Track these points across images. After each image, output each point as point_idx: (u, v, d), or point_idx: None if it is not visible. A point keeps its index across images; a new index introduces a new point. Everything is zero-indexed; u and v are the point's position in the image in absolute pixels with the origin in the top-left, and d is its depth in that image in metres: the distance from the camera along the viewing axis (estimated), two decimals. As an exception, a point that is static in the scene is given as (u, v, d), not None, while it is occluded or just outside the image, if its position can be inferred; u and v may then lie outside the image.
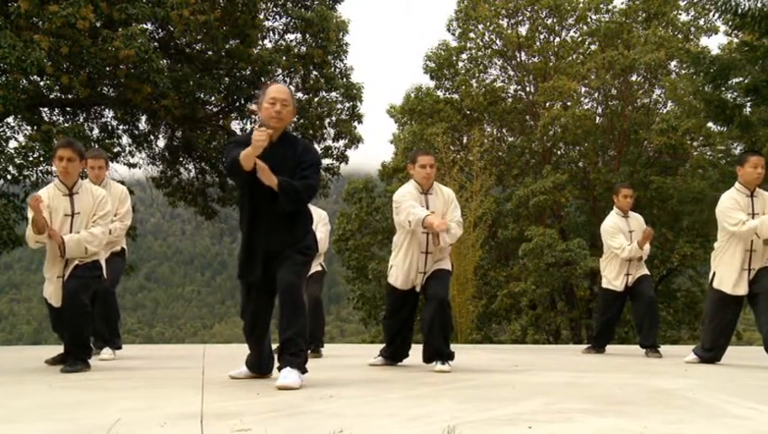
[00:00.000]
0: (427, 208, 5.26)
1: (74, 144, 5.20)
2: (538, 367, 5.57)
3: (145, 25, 13.94)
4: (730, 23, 13.49)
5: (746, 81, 13.08)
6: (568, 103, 23.60)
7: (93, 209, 5.15)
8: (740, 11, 12.49)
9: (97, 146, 13.17)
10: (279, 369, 3.97)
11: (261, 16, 15.86)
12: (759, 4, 12.24)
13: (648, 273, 7.41)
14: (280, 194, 3.97)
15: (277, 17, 16.59)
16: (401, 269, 5.33)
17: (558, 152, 25.23)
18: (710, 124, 19.56)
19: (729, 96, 14.03)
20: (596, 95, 24.87)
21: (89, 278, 5.13)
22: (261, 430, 2.54)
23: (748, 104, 13.82)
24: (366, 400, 3.38)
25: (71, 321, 5.00)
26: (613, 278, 7.34)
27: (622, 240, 7.19)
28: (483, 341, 21.51)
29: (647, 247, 7.28)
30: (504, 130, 26.37)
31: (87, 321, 5.09)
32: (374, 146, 27.40)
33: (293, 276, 4.02)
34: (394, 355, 5.61)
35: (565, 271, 21.06)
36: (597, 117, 24.55)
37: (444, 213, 5.31)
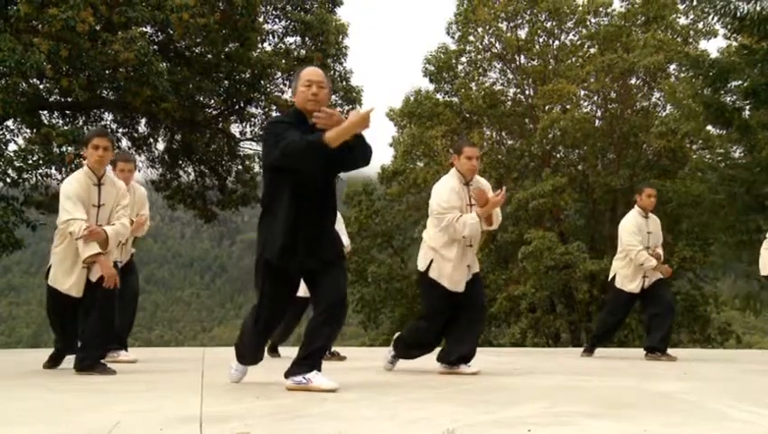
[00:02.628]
0: (469, 200, 5.11)
1: (109, 133, 5.29)
2: (537, 370, 5.57)
3: (144, 28, 13.97)
4: (729, 27, 13.52)
5: (745, 84, 13.09)
6: (567, 106, 23.60)
7: (116, 199, 5.18)
8: (739, 14, 12.53)
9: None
10: (296, 372, 3.90)
11: (261, 19, 15.87)
12: (758, 8, 12.27)
13: (662, 277, 7.32)
14: (359, 145, 3.90)
15: (277, 20, 16.60)
16: (449, 265, 5.05)
17: (558, 155, 25.21)
18: (709, 127, 19.56)
19: (728, 99, 14.05)
20: (596, 98, 24.87)
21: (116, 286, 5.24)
22: (261, 433, 2.53)
23: (747, 107, 13.84)
24: (366, 403, 3.38)
25: (105, 322, 5.03)
26: (629, 280, 7.20)
27: (638, 241, 7.11)
28: (483, 344, 21.46)
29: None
30: (503, 133, 26.36)
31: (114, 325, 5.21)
32: (373, 149, 27.36)
33: (344, 287, 4.03)
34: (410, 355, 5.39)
35: (564, 274, 21.03)
36: (596, 121, 24.54)
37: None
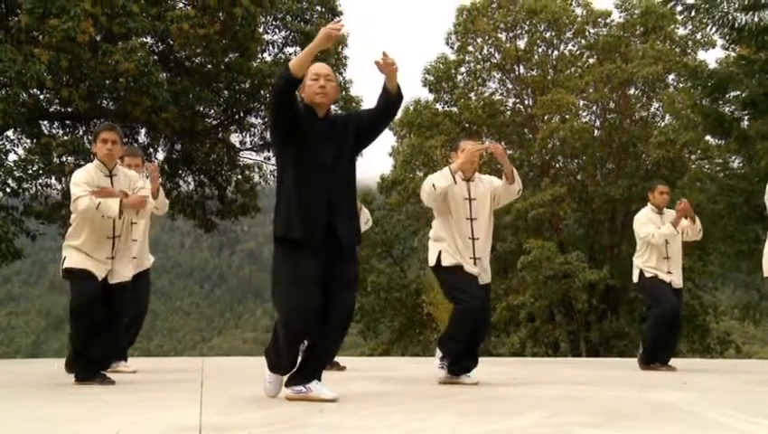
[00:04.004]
0: (469, 195, 5.05)
1: (116, 127, 5.22)
2: (536, 380, 5.56)
3: (144, 39, 14.01)
4: (727, 38, 13.57)
5: (744, 95, 13.12)
6: (567, 116, 23.65)
7: (130, 188, 5.13)
8: (737, 25, 12.57)
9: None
10: (297, 381, 3.86)
11: (260, 30, 15.91)
12: (756, 19, 12.31)
13: (681, 287, 7.13)
14: (397, 97, 3.94)
15: (277, 31, 16.66)
16: (452, 252, 4.99)
17: (557, 165, 25.27)
18: (708, 137, 19.61)
19: (727, 109, 14.07)
20: (595, 108, 24.94)
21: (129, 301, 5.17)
22: (260, 444, 2.53)
23: (746, 117, 13.86)
24: (365, 413, 3.37)
25: (112, 340, 5.02)
26: (655, 270, 6.95)
27: (652, 228, 6.94)
28: (482, 354, 21.32)
29: (685, 224, 7.03)
30: (503, 143, 26.35)
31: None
32: (373, 159, 27.32)
33: (353, 302, 3.97)
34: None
35: (563, 284, 21.02)
36: (595, 131, 24.59)
37: (493, 196, 5.15)
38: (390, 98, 3.96)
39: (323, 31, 3.69)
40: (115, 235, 5.05)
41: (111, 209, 4.80)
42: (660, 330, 6.88)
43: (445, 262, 5.02)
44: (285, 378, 3.94)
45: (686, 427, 3.01)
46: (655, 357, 6.92)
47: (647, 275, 7.02)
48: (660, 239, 6.88)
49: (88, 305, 4.87)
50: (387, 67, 3.86)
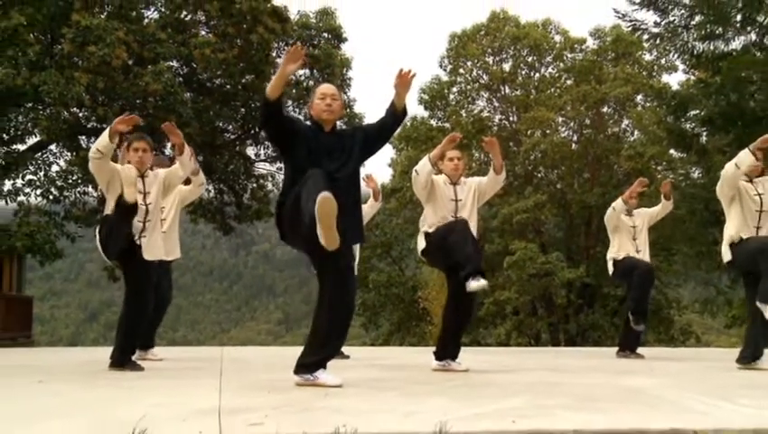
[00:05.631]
0: (456, 197, 5.10)
1: (147, 137, 5.21)
2: (521, 368, 5.54)
3: (171, 63, 14.03)
4: (687, 63, 13.62)
5: (702, 113, 13.17)
6: (547, 131, 23.67)
7: (159, 185, 5.11)
8: (695, 52, 12.64)
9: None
10: (304, 370, 3.80)
11: (273, 54, 15.95)
12: (712, 47, 12.40)
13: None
14: (403, 113, 4.01)
15: (288, 55, 16.68)
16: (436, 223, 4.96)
17: (539, 175, 25.27)
18: (672, 151, 19.63)
19: (688, 126, 14.11)
20: (572, 124, 24.96)
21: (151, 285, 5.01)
22: (273, 424, 2.52)
23: (704, 133, 13.90)
24: (366, 398, 3.36)
25: (136, 324, 4.93)
26: (625, 254, 6.85)
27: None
28: (471, 344, 21.40)
29: (654, 210, 7.19)
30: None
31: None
32: (374, 169, 27.43)
33: (355, 293, 3.93)
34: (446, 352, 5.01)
35: (544, 281, 21.02)
36: (573, 144, 24.62)
37: (477, 192, 5.25)
38: (397, 113, 4.01)
39: (286, 55, 3.78)
40: (146, 191, 4.96)
41: (102, 137, 4.67)
42: (642, 286, 6.67)
43: (429, 231, 4.98)
44: (294, 366, 3.88)
45: (653, 409, 3.00)
46: (640, 315, 6.67)
47: (618, 258, 6.93)
48: (610, 212, 6.99)
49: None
50: (405, 78, 3.90)
